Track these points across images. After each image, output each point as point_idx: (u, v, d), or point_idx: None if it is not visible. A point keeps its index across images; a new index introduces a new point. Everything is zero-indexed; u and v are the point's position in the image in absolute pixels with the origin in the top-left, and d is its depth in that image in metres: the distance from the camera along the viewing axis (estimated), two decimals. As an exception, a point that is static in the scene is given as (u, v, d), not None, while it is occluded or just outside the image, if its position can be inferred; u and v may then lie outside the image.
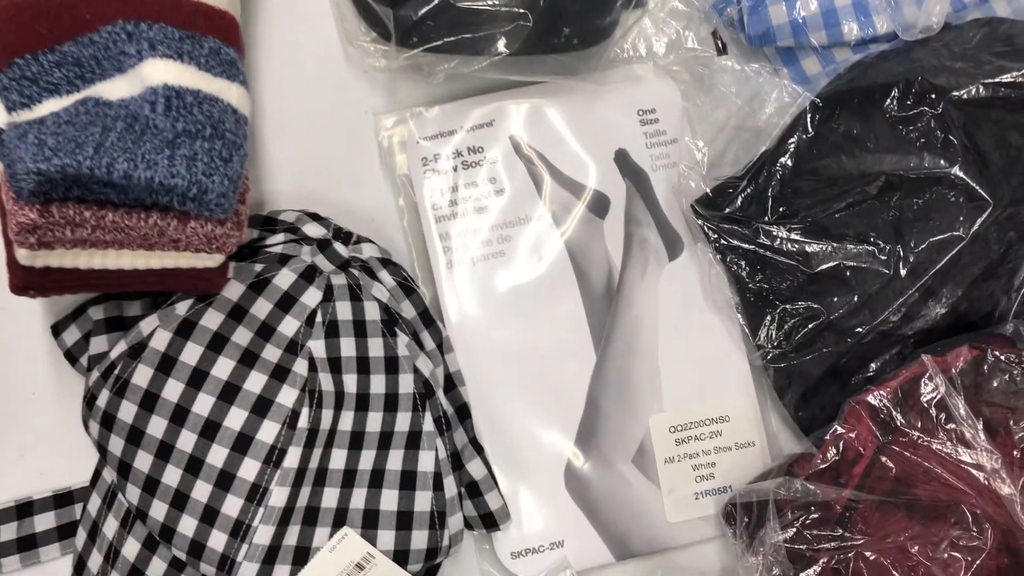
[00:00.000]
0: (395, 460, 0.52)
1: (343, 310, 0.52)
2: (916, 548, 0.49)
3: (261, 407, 0.50)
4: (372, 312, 0.52)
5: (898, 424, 0.51)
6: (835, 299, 0.54)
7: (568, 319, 0.56)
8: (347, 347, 0.51)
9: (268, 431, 0.49)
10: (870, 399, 0.52)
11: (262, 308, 0.51)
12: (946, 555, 0.49)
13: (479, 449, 0.54)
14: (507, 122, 0.57)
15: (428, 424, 0.52)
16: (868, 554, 0.50)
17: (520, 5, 0.52)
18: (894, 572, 0.49)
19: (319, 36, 0.58)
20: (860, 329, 0.54)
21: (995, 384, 0.51)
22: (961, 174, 0.53)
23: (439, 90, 0.58)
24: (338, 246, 0.53)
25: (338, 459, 0.51)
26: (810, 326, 0.54)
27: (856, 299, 0.54)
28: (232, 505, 0.49)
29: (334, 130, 0.58)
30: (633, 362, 0.56)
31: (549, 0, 0.52)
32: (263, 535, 0.49)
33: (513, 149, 0.57)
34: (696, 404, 0.56)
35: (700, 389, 0.56)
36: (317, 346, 0.51)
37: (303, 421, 0.50)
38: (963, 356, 0.51)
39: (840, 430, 0.51)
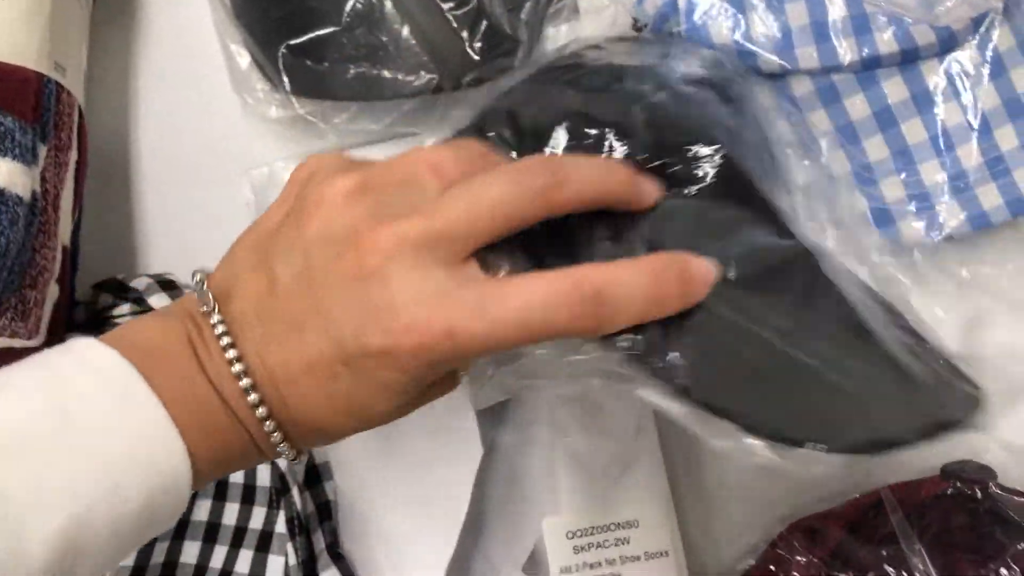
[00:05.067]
0: (244, 562, 0.47)
1: None
2: None
3: None
4: None
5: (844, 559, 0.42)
6: None
7: (452, 400, 0.50)
8: None
9: None
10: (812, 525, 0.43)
11: None
12: None
13: (336, 556, 0.47)
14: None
15: (280, 525, 0.46)
16: None
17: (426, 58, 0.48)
18: None
19: (208, 79, 0.53)
20: None
21: (957, 524, 0.42)
22: None
23: (345, 141, 0.50)
24: None
25: (189, 553, 0.47)
26: None
27: None
28: None
29: (216, 183, 0.53)
30: (527, 452, 0.49)
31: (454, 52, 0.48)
32: None
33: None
34: (599, 505, 0.47)
35: (604, 488, 0.48)
36: None
37: None
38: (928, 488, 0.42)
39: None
